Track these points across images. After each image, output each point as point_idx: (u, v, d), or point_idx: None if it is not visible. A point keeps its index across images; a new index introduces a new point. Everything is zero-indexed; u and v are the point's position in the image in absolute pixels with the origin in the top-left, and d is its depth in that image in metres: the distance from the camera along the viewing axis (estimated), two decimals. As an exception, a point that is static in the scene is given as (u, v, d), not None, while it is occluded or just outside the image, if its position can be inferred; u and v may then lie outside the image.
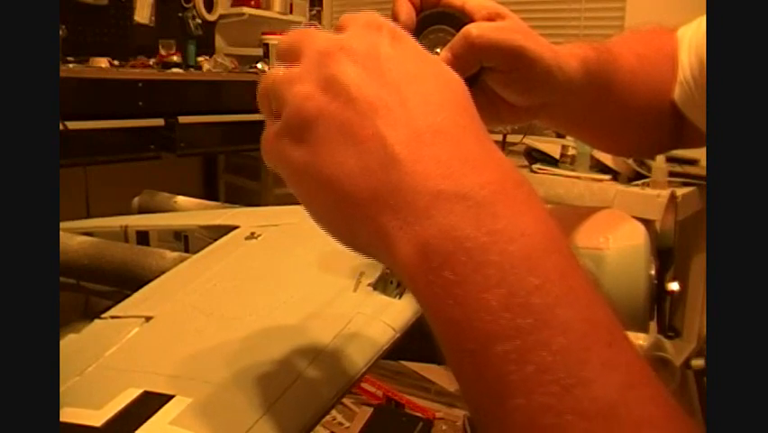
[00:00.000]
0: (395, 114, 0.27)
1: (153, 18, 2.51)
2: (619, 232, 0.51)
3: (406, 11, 0.40)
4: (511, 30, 0.41)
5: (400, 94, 0.27)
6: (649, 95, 0.54)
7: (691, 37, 0.55)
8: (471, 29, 0.40)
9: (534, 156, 1.94)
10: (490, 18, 0.42)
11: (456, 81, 0.30)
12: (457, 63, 0.39)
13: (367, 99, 0.27)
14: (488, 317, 0.24)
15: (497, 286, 0.24)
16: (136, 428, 0.32)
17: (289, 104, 0.29)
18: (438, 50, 0.41)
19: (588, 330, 0.23)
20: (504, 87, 0.43)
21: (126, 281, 0.57)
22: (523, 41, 0.41)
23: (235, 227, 0.65)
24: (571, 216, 0.56)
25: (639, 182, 1.72)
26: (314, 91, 0.28)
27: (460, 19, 0.41)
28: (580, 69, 0.46)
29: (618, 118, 0.53)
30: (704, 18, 0.53)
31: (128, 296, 0.49)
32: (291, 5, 2.91)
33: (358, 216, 0.27)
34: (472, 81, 0.40)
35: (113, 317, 0.46)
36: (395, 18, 0.40)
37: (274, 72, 0.30)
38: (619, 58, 0.51)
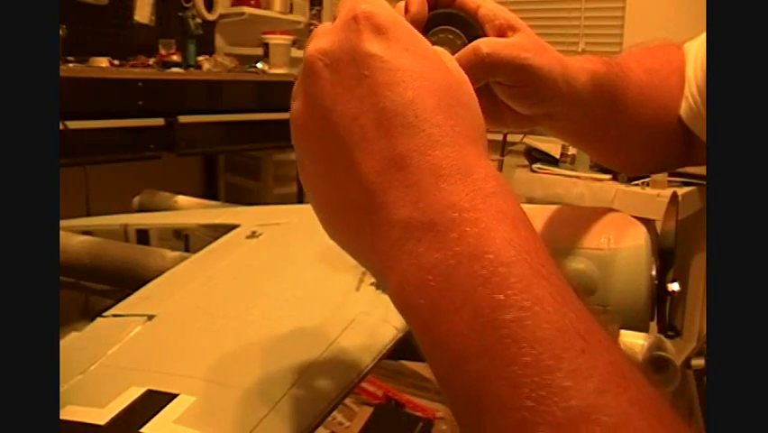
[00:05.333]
0: (369, 139, 0.28)
1: (153, 18, 2.51)
2: (621, 232, 0.51)
3: (418, 5, 0.39)
4: (521, 48, 0.41)
5: (376, 110, 0.28)
6: (657, 110, 0.53)
7: (696, 52, 0.54)
8: (481, 45, 0.40)
9: (535, 156, 1.94)
10: (502, 31, 0.42)
11: (444, 78, 0.30)
12: None
13: (343, 127, 0.28)
14: (456, 338, 0.24)
15: (462, 308, 0.24)
16: (140, 427, 0.32)
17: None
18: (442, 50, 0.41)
19: (557, 339, 0.23)
20: (508, 97, 0.43)
21: (127, 281, 0.57)
22: (532, 59, 0.41)
23: (236, 226, 0.65)
24: (573, 216, 0.56)
25: (639, 182, 1.72)
26: (302, 106, 0.30)
27: (471, 25, 0.41)
28: (588, 83, 0.46)
29: (624, 133, 0.52)
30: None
31: (129, 294, 0.49)
32: (291, 5, 2.91)
33: (353, 249, 0.31)
34: (475, 87, 0.40)
35: (115, 316, 0.46)
36: (405, 11, 0.39)
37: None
38: (629, 72, 0.51)
